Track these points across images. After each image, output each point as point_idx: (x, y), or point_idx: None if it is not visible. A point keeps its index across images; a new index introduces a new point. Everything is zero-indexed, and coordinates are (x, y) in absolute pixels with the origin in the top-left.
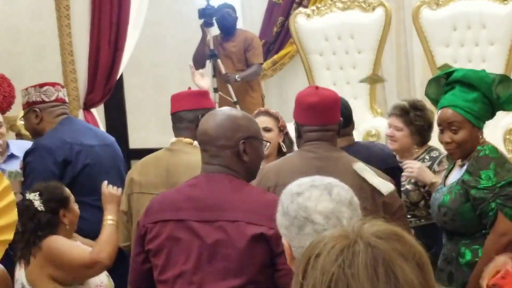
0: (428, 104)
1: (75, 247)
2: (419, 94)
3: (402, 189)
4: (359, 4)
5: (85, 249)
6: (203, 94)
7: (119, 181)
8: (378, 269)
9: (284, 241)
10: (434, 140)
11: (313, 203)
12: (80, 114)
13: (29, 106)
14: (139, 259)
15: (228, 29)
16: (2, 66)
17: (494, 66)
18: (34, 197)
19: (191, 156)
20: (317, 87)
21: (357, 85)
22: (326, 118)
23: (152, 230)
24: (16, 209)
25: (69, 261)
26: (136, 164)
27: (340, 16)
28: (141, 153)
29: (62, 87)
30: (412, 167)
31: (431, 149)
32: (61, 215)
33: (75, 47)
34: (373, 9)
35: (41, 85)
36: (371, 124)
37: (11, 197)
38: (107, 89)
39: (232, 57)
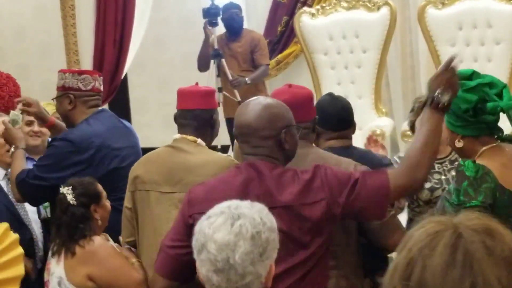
0: None
1: (126, 266)
2: (424, 93)
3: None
4: (364, 3)
5: (135, 269)
6: (212, 93)
7: None
8: (457, 255)
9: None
10: None
11: (211, 230)
12: None
13: (64, 91)
14: (180, 250)
15: (236, 29)
16: (7, 64)
17: (500, 65)
18: (67, 191)
19: (194, 155)
20: (290, 85)
21: (362, 84)
22: (298, 116)
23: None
24: (23, 264)
25: (122, 282)
26: (139, 161)
27: (345, 15)
28: (146, 151)
29: (100, 75)
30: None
31: None
32: (92, 210)
33: (80, 46)
34: (378, 8)
35: (80, 72)
36: (376, 123)
37: (19, 250)
38: (112, 88)
39: (238, 57)
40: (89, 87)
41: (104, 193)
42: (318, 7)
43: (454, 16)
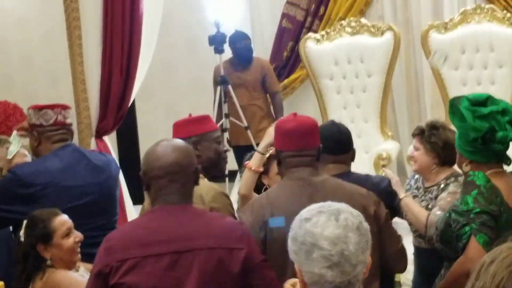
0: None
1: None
2: (429, 117)
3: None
4: (368, 28)
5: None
6: (197, 120)
7: (104, 220)
8: None
9: (295, 266)
10: None
11: (319, 229)
12: (92, 142)
13: (30, 128)
14: None
15: (248, 60)
16: (16, 93)
17: (503, 89)
18: (23, 225)
19: None
20: (295, 114)
21: (368, 108)
22: (303, 144)
23: (120, 268)
24: None
25: None
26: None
27: (349, 40)
28: None
29: (64, 108)
30: (392, 178)
31: (454, 175)
32: (41, 249)
33: (87, 75)
34: (382, 33)
35: (40, 108)
36: (382, 147)
37: None
38: (118, 116)
39: (248, 85)
40: (51, 122)
41: (59, 232)
42: (323, 32)
43: (457, 40)
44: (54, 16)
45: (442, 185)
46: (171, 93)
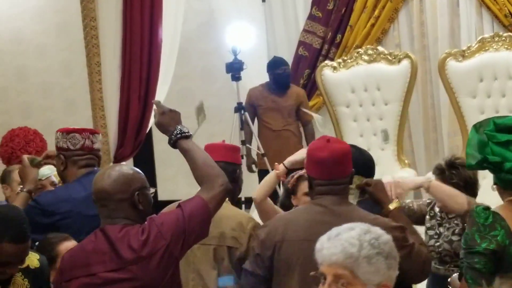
0: None
1: None
2: (446, 145)
3: (446, 239)
4: (385, 56)
5: None
6: (237, 149)
7: None
8: None
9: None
10: None
11: None
12: None
13: (57, 151)
14: None
15: (286, 86)
16: (35, 120)
17: None
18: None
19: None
20: (328, 140)
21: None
22: (335, 173)
23: (68, 287)
24: None
25: None
26: None
27: (366, 68)
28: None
29: (93, 133)
30: (395, 189)
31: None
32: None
33: (105, 102)
34: (399, 61)
35: (68, 131)
36: (399, 174)
37: None
38: (136, 143)
39: (283, 111)
40: (78, 146)
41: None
42: (340, 60)
43: (474, 68)
44: (73, 44)
45: (459, 222)
46: (187, 121)
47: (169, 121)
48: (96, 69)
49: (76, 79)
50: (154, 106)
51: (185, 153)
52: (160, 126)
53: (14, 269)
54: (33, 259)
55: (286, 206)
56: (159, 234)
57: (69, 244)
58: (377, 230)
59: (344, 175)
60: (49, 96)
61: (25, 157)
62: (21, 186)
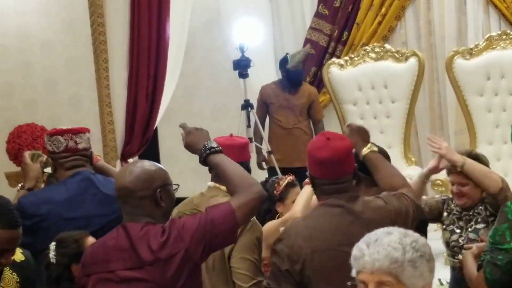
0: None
1: None
2: (453, 144)
3: (470, 230)
4: (392, 54)
5: None
6: (247, 145)
7: None
8: None
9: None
10: None
11: None
12: (118, 165)
13: (48, 154)
14: None
15: (299, 83)
16: (40, 117)
17: None
18: (52, 247)
19: (221, 201)
20: (328, 138)
21: (391, 134)
22: (338, 172)
23: (89, 282)
24: None
25: None
26: (173, 213)
27: (373, 66)
28: (176, 202)
29: (76, 133)
30: (440, 145)
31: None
32: (74, 269)
33: (113, 98)
34: (406, 59)
35: (52, 134)
36: (406, 173)
37: None
38: (144, 140)
39: (295, 109)
40: (61, 148)
41: None
42: (347, 58)
43: (482, 66)
44: (79, 40)
45: (480, 206)
46: (193, 118)
47: (197, 140)
48: (104, 66)
49: (83, 76)
50: (181, 130)
51: (217, 167)
52: (189, 147)
53: (8, 259)
54: (17, 253)
55: (266, 212)
56: (178, 236)
57: (92, 239)
58: (414, 233)
59: (347, 173)
60: (55, 92)
61: (26, 153)
62: (21, 184)
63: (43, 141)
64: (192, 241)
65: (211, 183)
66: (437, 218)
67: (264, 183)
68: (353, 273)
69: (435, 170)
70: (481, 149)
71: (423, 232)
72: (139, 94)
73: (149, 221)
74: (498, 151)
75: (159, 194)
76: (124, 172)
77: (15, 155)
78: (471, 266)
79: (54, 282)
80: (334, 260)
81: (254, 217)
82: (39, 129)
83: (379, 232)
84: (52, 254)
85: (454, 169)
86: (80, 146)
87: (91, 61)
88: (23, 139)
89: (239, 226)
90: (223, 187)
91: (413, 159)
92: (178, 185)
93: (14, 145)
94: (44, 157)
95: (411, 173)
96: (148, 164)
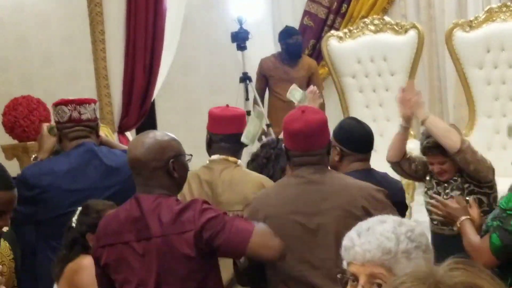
0: None
1: None
2: (452, 117)
3: (445, 198)
4: (391, 26)
5: None
6: (242, 117)
7: None
8: None
9: None
10: None
11: None
12: (115, 138)
13: (55, 124)
14: (100, 277)
15: (298, 56)
16: (35, 89)
17: None
18: (77, 211)
19: (236, 174)
20: (303, 111)
21: (390, 107)
22: (309, 145)
23: (103, 253)
24: None
25: None
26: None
27: (372, 38)
28: None
29: (79, 103)
30: (412, 96)
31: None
32: (89, 238)
33: (109, 71)
34: (406, 31)
35: (57, 104)
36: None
37: None
38: (141, 113)
39: (294, 82)
40: (65, 118)
41: None
42: (346, 30)
43: (481, 38)
44: (75, 12)
45: (457, 177)
46: (191, 91)
47: None
48: (100, 38)
49: (79, 48)
50: None
51: None
52: None
53: (6, 221)
54: None
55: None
56: (192, 218)
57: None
58: (410, 222)
59: (319, 146)
60: (51, 65)
61: (45, 125)
62: (35, 155)
63: (39, 113)
64: (202, 229)
65: (215, 156)
66: (421, 179)
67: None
68: (344, 264)
69: (408, 118)
70: (480, 122)
71: (402, 216)
72: (136, 66)
73: (162, 193)
74: (497, 124)
75: (172, 165)
76: (136, 143)
77: (11, 128)
78: (470, 233)
79: (68, 245)
80: (283, 228)
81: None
82: (35, 102)
83: (372, 220)
84: (74, 218)
85: (429, 151)
86: (84, 116)
87: (88, 33)
88: (19, 112)
89: (244, 251)
90: (232, 158)
91: (412, 132)
92: (191, 155)
93: (10, 117)
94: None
95: (410, 146)
96: (160, 135)
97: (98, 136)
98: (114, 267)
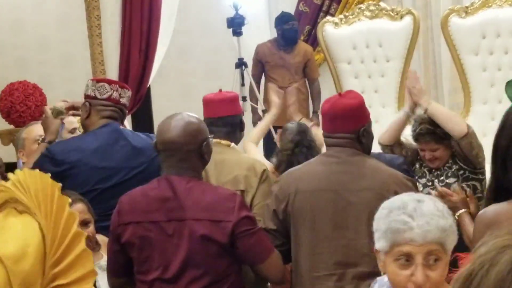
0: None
1: None
2: (447, 103)
3: (441, 185)
4: (387, 12)
5: None
6: (237, 98)
7: None
8: None
9: None
10: None
11: None
12: None
13: (85, 99)
14: (117, 254)
15: (294, 42)
16: (31, 75)
17: None
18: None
19: (228, 155)
20: (340, 94)
21: (386, 93)
22: (334, 127)
23: (126, 230)
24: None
25: None
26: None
27: (368, 24)
28: None
29: (122, 87)
30: (415, 85)
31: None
32: None
33: (105, 56)
34: (401, 17)
35: (99, 80)
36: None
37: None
38: (137, 98)
39: (290, 68)
40: (104, 96)
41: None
42: (341, 16)
43: (477, 24)
44: None
45: (449, 160)
46: (186, 77)
47: None
48: (96, 23)
49: (74, 33)
50: None
51: None
52: None
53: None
54: None
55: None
56: (232, 209)
57: (76, 208)
58: (436, 198)
59: (346, 130)
60: (46, 50)
61: (47, 108)
62: (42, 137)
63: (35, 98)
64: (238, 223)
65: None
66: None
67: None
68: (382, 246)
69: (413, 106)
70: (476, 108)
71: None
72: (132, 51)
73: (193, 175)
74: (493, 111)
75: (204, 148)
76: (168, 126)
77: (7, 113)
78: (469, 224)
79: None
80: (314, 203)
81: (268, 169)
82: (31, 87)
83: (404, 200)
84: None
85: (422, 137)
86: (122, 100)
87: (83, 18)
88: (15, 97)
89: (262, 262)
90: (224, 141)
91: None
92: (213, 135)
93: (6, 102)
94: (65, 116)
95: (404, 132)
96: (190, 118)
97: (122, 123)
98: (138, 245)
